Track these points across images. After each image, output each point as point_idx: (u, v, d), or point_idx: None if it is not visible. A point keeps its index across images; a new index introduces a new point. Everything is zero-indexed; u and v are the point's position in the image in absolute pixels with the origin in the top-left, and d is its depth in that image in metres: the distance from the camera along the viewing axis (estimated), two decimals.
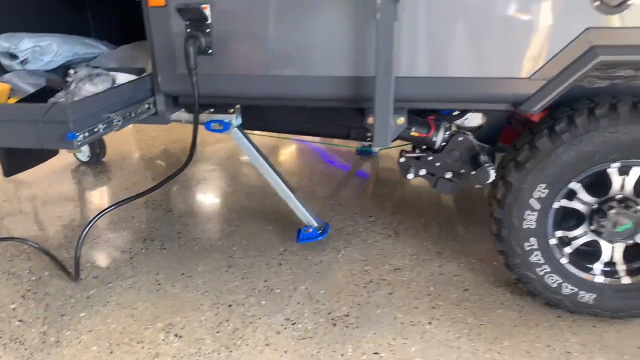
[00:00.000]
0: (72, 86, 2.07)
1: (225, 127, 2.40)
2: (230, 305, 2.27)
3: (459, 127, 2.29)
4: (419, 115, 2.22)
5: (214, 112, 2.41)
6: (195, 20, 1.98)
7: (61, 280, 2.49)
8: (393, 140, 2.06)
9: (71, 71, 2.23)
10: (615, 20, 1.74)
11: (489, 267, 2.50)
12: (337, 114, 2.47)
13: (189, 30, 2.00)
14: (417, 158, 2.28)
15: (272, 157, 4.10)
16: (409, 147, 2.52)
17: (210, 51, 2.04)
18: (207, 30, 2.00)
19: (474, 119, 2.26)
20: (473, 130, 2.28)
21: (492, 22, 1.84)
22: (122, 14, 3.08)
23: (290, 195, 2.57)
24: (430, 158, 2.26)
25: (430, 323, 2.14)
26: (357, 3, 1.82)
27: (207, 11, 1.99)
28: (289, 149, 4.29)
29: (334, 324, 2.14)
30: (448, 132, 2.24)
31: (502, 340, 2.03)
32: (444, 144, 2.24)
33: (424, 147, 2.29)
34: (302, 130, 2.75)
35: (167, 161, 4.15)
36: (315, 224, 2.63)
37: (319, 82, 2.01)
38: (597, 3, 1.73)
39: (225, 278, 2.48)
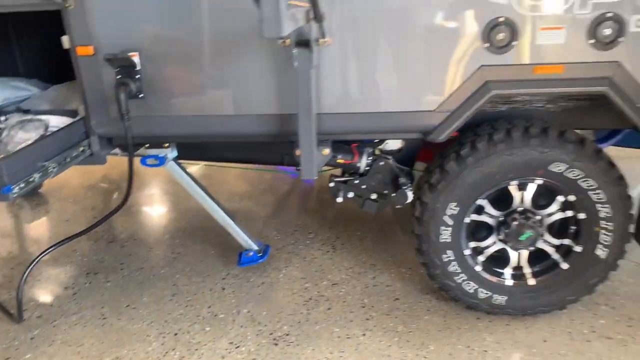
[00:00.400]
0: (4, 134, 2.11)
1: (161, 161, 2.49)
2: (175, 334, 2.37)
3: (381, 151, 2.50)
4: (343, 144, 2.41)
5: (149, 147, 2.50)
6: (125, 67, 2.07)
7: (3, 323, 2.50)
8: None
9: (2, 118, 2.26)
10: (504, 59, 1.99)
11: (417, 276, 2.72)
12: (271, 143, 2.62)
13: (119, 77, 2.08)
14: (345, 182, 2.47)
15: (213, 179, 4.18)
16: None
17: (141, 95, 2.14)
18: (137, 76, 2.10)
19: (394, 143, 2.48)
20: (394, 153, 2.50)
21: (401, 63, 2.05)
22: (51, 51, 3.09)
23: (230, 222, 2.70)
24: (356, 182, 2.45)
25: (364, 334, 2.33)
26: (278, 51, 1.97)
27: (136, 58, 2.08)
28: (229, 170, 4.38)
29: (276, 344, 2.29)
30: (371, 158, 2.44)
31: (428, 345, 2.25)
32: (368, 168, 2.43)
33: (351, 171, 2.47)
34: (238, 158, 2.87)
35: (107, 188, 4.15)
36: (256, 247, 2.77)
37: (247, 121, 2.16)
38: (487, 44, 1.97)
39: (170, 307, 2.57)
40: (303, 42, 1.81)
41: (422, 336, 2.30)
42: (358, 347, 2.26)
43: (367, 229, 3.25)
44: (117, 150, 2.50)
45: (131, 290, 2.72)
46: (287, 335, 2.34)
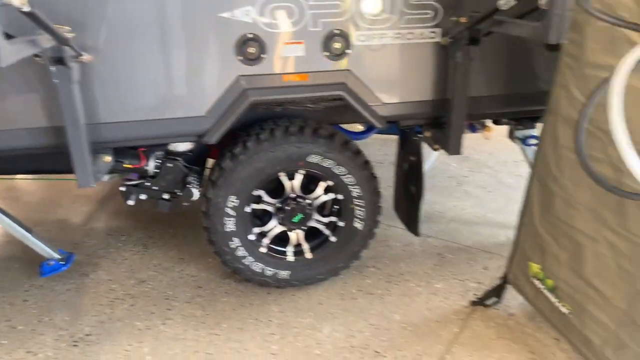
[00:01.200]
0: None
1: None
2: None
3: (171, 152, 2.68)
4: (130, 149, 2.55)
5: None
6: None
7: None
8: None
9: None
10: (257, 69, 2.31)
11: (220, 264, 2.98)
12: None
13: None
14: (137, 185, 2.62)
15: (22, 190, 4.02)
16: None
17: None
18: None
19: (184, 145, 2.68)
20: (184, 154, 2.70)
21: (171, 74, 2.25)
22: None
23: (26, 234, 2.69)
24: (147, 184, 2.62)
25: (164, 324, 2.54)
26: (40, 67, 2.05)
27: None
28: (40, 180, 4.23)
29: (75, 345, 2.39)
30: (160, 160, 2.62)
31: (222, 324, 2.53)
32: (157, 170, 2.61)
33: (141, 175, 2.63)
34: (31, 169, 2.86)
35: None
36: (58, 256, 2.79)
37: (18, 134, 2.20)
38: (241, 57, 2.27)
39: None
40: (59, 60, 1.92)
41: (217, 317, 2.58)
42: (157, 336, 2.46)
43: (179, 225, 3.44)
44: None
45: None
46: (88, 335, 2.46)
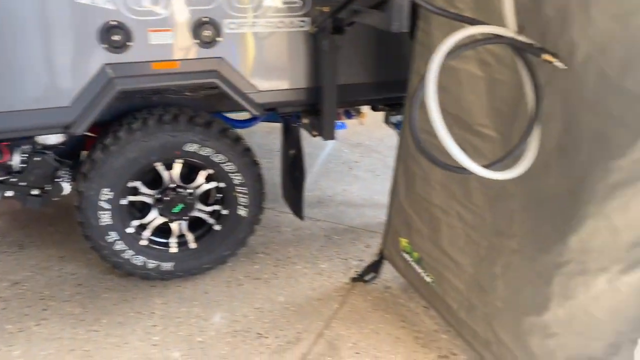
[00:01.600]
0: None
1: None
2: None
3: (40, 145, 2.54)
4: None
5: None
6: None
7: None
8: None
9: None
10: (124, 57, 2.25)
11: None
12: None
13: None
14: (2, 182, 2.47)
15: None
16: None
17: None
18: None
19: (54, 138, 2.55)
20: (56, 147, 2.58)
21: (30, 63, 2.14)
22: None
23: None
24: (14, 179, 2.47)
25: (38, 325, 2.42)
26: None
27: None
28: None
29: None
30: (26, 155, 2.47)
31: (102, 320, 2.47)
32: (24, 165, 2.47)
33: (6, 170, 2.47)
34: None
35: None
36: None
37: None
38: (105, 45, 2.21)
39: None
40: None
41: (97, 313, 2.51)
42: (30, 337, 2.35)
43: (60, 222, 3.28)
44: None
45: None
46: None
